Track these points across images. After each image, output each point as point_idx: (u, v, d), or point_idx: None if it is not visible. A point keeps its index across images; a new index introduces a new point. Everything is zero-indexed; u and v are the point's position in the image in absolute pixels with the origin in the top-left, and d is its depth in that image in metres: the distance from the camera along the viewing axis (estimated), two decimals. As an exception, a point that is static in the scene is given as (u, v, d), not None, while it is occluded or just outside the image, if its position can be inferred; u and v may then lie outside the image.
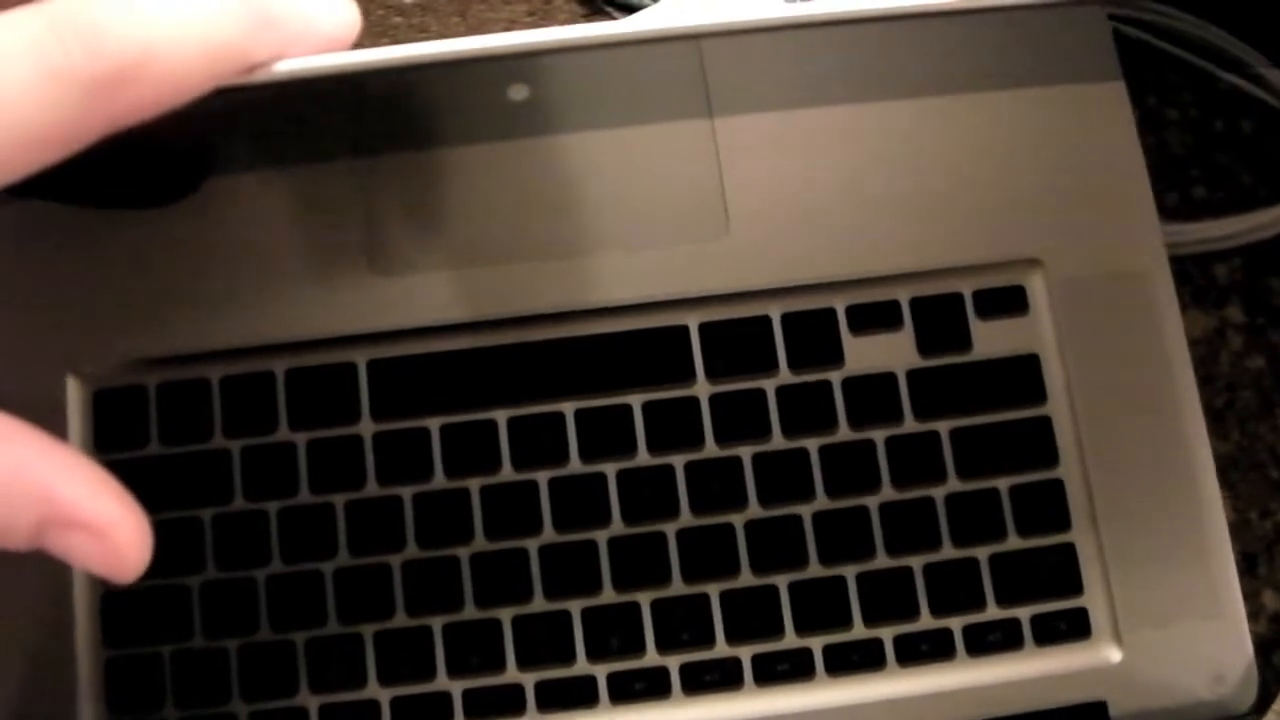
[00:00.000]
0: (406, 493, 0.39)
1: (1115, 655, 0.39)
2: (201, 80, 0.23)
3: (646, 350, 0.40)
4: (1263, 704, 0.38)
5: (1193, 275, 0.44)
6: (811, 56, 0.41)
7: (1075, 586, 0.39)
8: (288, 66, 0.24)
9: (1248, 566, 0.42)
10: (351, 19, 0.26)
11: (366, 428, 0.39)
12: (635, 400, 0.40)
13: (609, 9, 0.46)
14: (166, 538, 0.38)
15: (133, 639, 0.38)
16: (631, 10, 0.45)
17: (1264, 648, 0.40)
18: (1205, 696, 0.38)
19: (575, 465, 0.39)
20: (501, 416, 0.39)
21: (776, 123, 0.41)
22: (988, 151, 0.41)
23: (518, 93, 0.41)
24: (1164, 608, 0.39)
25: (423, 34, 0.45)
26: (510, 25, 0.45)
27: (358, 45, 0.25)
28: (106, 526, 0.24)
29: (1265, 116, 0.45)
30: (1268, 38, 0.45)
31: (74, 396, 0.39)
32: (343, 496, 0.39)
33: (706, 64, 0.41)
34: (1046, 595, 0.39)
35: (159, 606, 0.38)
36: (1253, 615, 0.39)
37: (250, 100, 0.24)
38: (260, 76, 0.24)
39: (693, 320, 0.40)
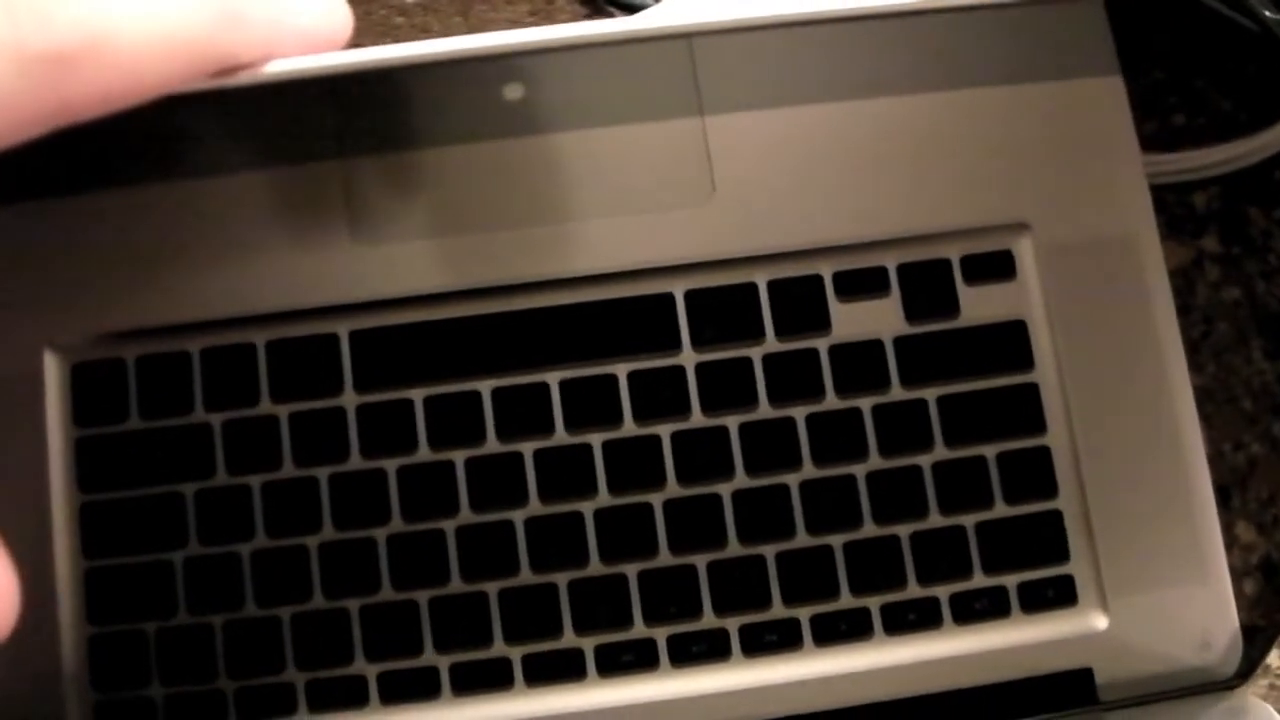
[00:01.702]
0: (390, 465, 0.38)
1: (1102, 622, 0.39)
2: (164, 74, 0.22)
3: (632, 318, 0.39)
4: (1248, 669, 0.38)
5: (1170, 204, 0.44)
6: (799, 31, 0.41)
7: (1062, 554, 0.39)
8: (275, 68, 0.23)
9: (1222, 499, 0.42)
10: (339, 22, 0.25)
11: (349, 399, 0.39)
12: (621, 369, 0.39)
13: (611, 9, 0.45)
14: (148, 513, 0.38)
15: (116, 615, 0.38)
16: (633, 10, 0.44)
17: (1234, 581, 0.40)
18: (1191, 662, 0.39)
19: (560, 436, 0.39)
20: (486, 387, 0.39)
21: (764, 83, 0.41)
22: (976, 115, 0.40)
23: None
24: (1150, 574, 0.39)
25: (424, 34, 0.44)
26: (512, 25, 0.45)
27: (359, 45, 0.25)
28: None
29: (1245, 41, 0.45)
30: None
31: (51, 371, 0.38)
32: (326, 470, 0.38)
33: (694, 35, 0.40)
34: (1033, 563, 0.39)
35: (142, 582, 0.38)
36: (1226, 546, 0.39)
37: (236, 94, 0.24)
38: (242, 79, 0.23)
39: (678, 288, 0.40)
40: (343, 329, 0.39)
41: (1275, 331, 0.43)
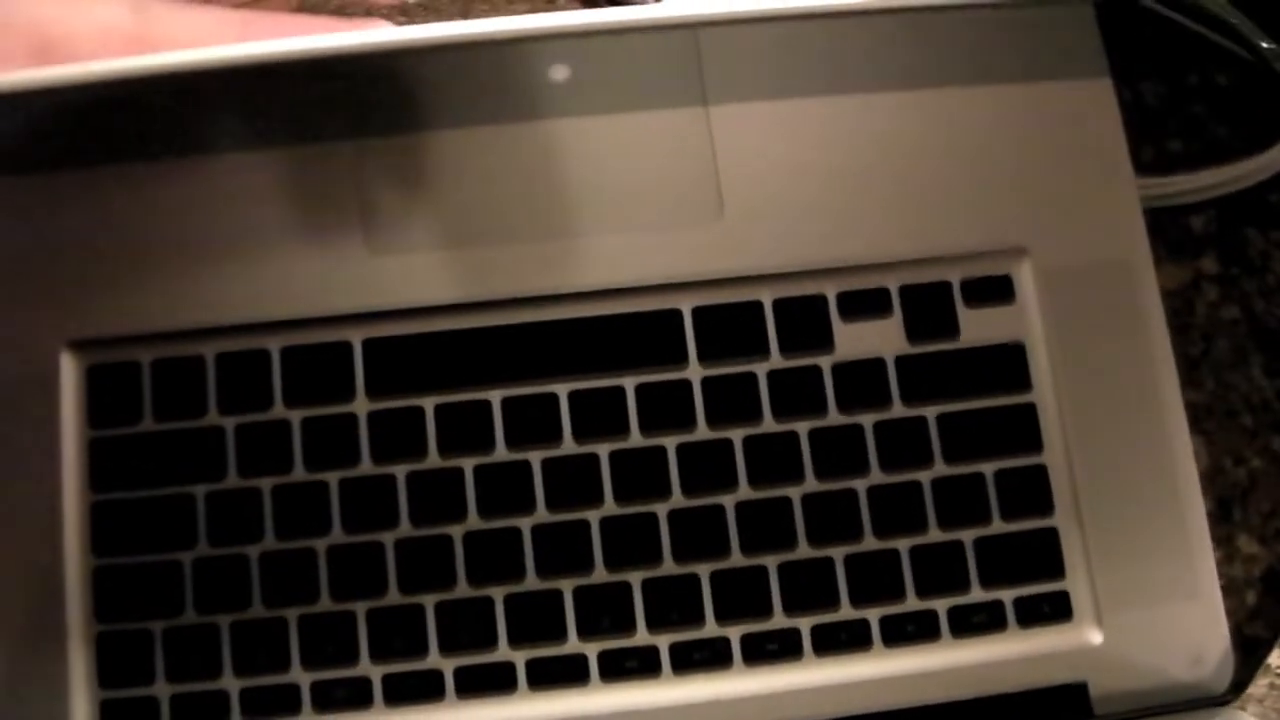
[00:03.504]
0: (400, 471, 0.39)
1: (1096, 637, 0.39)
2: None
3: (640, 333, 0.40)
4: (1242, 683, 0.39)
5: (1168, 227, 0.45)
6: (805, 46, 0.42)
7: (1058, 570, 0.40)
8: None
9: (1223, 513, 0.43)
10: None
11: (361, 406, 0.39)
12: (628, 382, 0.40)
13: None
14: (159, 513, 0.38)
15: (124, 614, 0.38)
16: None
17: (1236, 592, 0.40)
18: (1184, 677, 0.39)
19: (569, 445, 0.40)
20: (496, 396, 0.40)
21: (770, 109, 0.42)
22: (977, 142, 0.42)
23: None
24: (1144, 591, 0.40)
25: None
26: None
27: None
28: None
29: (1239, 68, 0.46)
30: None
31: (68, 373, 0.39)
32: (337, 474, 0.39)
33: (703, 52, 0.42)
34: (1029, 578, 0.40)
35: (151, 582, 0.38)
36: (1228, 559, 0.40)
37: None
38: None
39: (686, 304, 0.41)
40: (356, 337, 0.40)
41: (1275, 349, 0.44)
